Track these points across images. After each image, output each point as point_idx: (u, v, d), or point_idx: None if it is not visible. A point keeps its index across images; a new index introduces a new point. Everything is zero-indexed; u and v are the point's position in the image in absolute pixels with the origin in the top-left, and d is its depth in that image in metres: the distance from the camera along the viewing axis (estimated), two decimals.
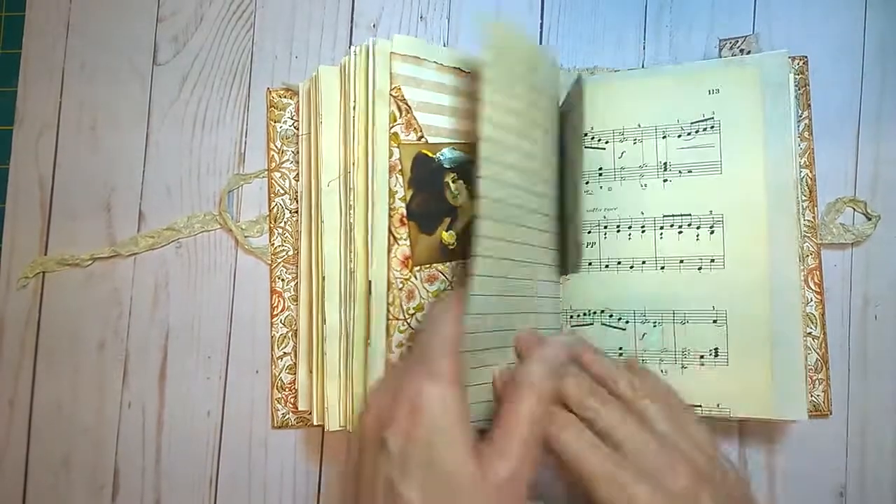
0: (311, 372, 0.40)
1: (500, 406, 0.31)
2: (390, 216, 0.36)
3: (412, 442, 0.28)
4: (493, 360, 0.34)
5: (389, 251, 0.35)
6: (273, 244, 0.44)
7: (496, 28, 0.34)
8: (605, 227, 0.41)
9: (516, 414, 0.30)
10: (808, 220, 0.41)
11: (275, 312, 0.44)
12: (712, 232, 0.39)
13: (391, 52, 0.36)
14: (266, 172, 0.45)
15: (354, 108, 0.37)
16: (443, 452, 0.28)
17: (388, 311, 0.36)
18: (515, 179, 0.35)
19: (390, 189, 0.36)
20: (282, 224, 0.44)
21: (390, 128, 0.36)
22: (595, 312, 0.41)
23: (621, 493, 0.29)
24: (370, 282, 0.35)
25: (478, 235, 0.32)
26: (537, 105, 0.37)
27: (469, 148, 0.38)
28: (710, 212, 0.39)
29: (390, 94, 0.36)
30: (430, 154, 0.37)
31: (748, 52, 0.42)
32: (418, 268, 0.37)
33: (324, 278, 0.38)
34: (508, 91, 0.34)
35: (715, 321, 0.39)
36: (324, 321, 0.38)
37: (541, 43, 0.45)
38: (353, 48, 0.37)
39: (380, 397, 0.30)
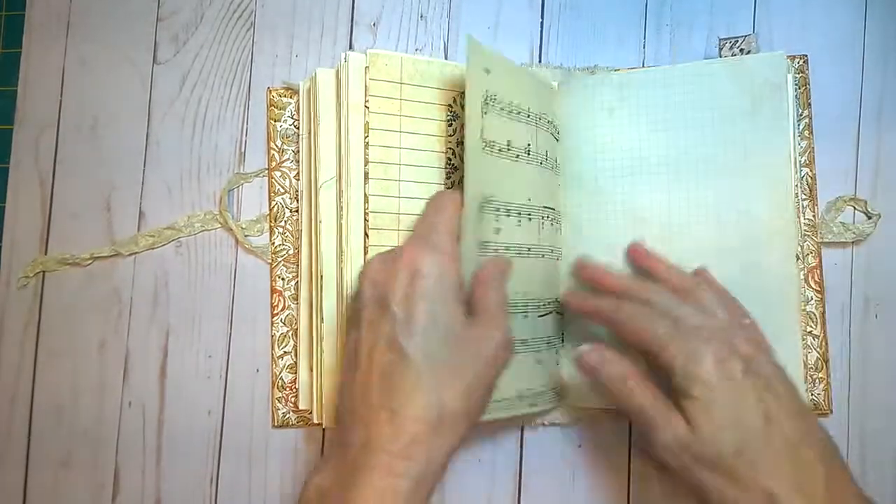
0: (311, 371, 0.40)
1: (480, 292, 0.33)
2: (366, 220, 0.38)
3: (413, 303, 0.30)
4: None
5: (366, 252, 0.38)
6: (273, 243, 0.44)
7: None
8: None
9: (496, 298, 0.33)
10: (809, 219, 0.41)
11: (275, 311, 0.44)
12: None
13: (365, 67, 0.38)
14: (266, 171, 0.45)
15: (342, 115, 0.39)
16: (441, 313, 0.30)
17: None
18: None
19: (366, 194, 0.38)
20: (282, 223, 0.44)
21: (364, 137, 0.38)
22: None
23: (685, 348, 0.31)
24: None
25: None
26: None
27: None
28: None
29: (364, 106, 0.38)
30: None
31: (748, 52, 0.42)
32: None
33: (321, 276, 0.38)
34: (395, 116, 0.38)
35: None
36: (322, 319, 0.38)
37: (541, 42, 0.45)
38: (342, 54, 0.38)
39: (377, 269, 0.32)
